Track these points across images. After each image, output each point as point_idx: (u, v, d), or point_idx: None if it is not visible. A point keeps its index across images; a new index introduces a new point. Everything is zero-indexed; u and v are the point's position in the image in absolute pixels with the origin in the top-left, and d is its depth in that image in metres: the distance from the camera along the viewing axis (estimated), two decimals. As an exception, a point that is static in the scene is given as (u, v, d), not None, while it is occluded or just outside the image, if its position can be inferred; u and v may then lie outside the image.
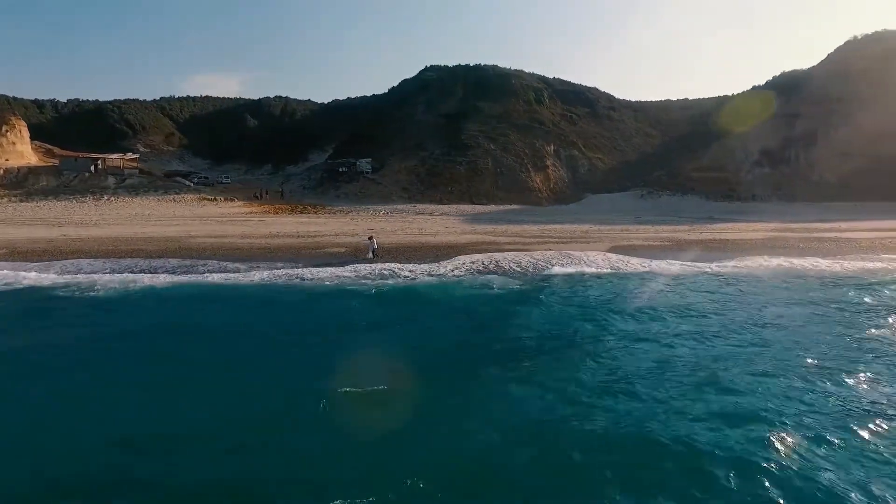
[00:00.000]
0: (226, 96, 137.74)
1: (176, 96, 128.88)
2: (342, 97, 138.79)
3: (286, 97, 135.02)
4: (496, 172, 65.92)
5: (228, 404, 10.25)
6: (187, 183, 63.48)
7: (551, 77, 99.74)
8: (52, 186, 57.54)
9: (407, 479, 7.50)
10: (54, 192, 55.58)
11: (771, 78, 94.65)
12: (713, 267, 24.81)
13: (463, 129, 70.79)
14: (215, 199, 57.43)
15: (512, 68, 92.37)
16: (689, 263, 25.49)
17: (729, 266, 25.24)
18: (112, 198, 55.50)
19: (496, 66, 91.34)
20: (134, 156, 78.76)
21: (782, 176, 60.46)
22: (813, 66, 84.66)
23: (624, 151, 79.34)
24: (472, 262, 24.98)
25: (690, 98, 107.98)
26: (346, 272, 22.64)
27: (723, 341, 13.79)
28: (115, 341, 14.17)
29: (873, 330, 14.82)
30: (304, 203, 58.28)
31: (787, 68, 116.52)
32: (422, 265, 24.37)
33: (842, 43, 79.68)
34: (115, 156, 71.80)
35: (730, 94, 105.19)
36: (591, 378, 11.33)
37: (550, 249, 30.28)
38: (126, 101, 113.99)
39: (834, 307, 17.49)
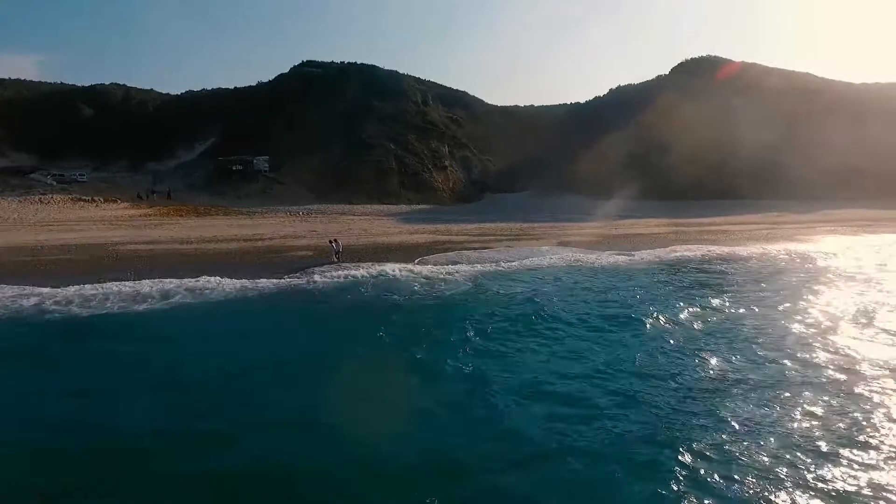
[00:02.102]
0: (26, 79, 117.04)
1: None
2: (195, 88, 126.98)
3: (125, 85, 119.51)
4: (401, 172, 66.54)
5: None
6: (49, 182, 53.65)
7: (425, 79, 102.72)
8: None
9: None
10: None
11: (608, 90, 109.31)
12: (664, 257, 29.11)
13: (362, 128, 70.04)
14: (93, 199, 49.47)
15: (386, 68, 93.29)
16: (646, 255, 29.43)
17: (673, 255, 29.74)
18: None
19: (376, 65, 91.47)
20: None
21: (647, 177, 70.25)
22: (649, 80, 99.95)
23: (507, 153, 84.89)
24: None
25: (537, 105, 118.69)
26: (391, 272, 22.67)
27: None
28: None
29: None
30: (202, 204, 52.94)
31: (623, 82, 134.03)
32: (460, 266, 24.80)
33: (676, 63, 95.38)
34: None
35: (581, 101, 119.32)
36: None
37: (511, 247, 32.47)
38: None
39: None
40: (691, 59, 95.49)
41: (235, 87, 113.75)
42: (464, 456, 8.55)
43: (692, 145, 69.34)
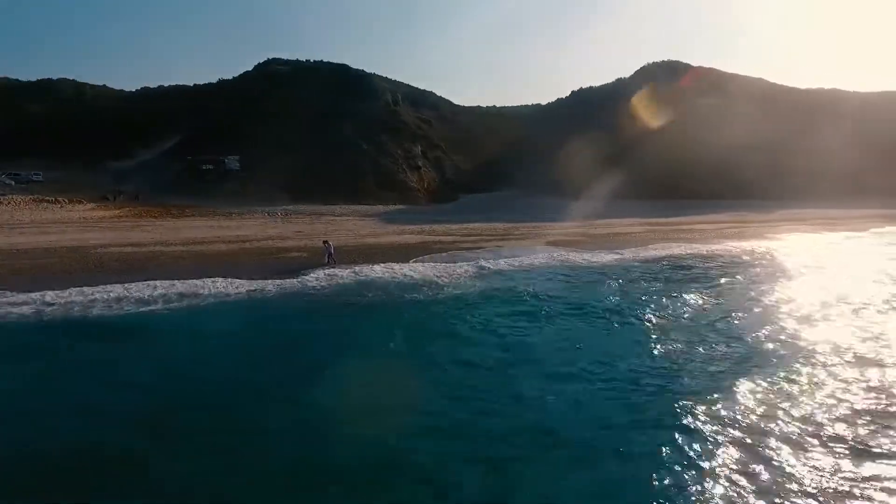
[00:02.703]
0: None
1: None
2: (151, 85, 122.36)
3: (75, 80, 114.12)
4: (375, 173, 66.20)
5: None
6: (6, 181, 50.71)
7: (392, 78, 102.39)
8: None
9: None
10: None
11: (570, 93, 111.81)
12: (652, 255, 30.17)
13: (334, 128, 69.28)
14: (56, 200, 47.06)
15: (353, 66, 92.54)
16: (635, 253, 30.49)
17: (661, 253, 30.86)
18: None
19: (347, 65, 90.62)
20: None
21: (617, 178, 72.29)
22: (609, 83, 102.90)
23: (476, 154, 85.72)
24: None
25: (499, 105, 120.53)
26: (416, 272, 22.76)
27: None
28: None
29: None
30: (173, 205, 51.24)
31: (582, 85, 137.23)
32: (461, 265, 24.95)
33: (639, 67, 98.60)
34: None
35: (542, 103, 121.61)
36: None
37: (501, 247, 32.98)
38: None
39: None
40: (654, 62, 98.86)
41: (195, 85, 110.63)
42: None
43: (658, 147, 71.95)
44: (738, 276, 23.63)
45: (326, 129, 69.11)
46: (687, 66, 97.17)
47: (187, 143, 73.17)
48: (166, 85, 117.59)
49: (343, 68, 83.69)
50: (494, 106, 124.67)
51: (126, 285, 18.75)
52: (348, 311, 17.71)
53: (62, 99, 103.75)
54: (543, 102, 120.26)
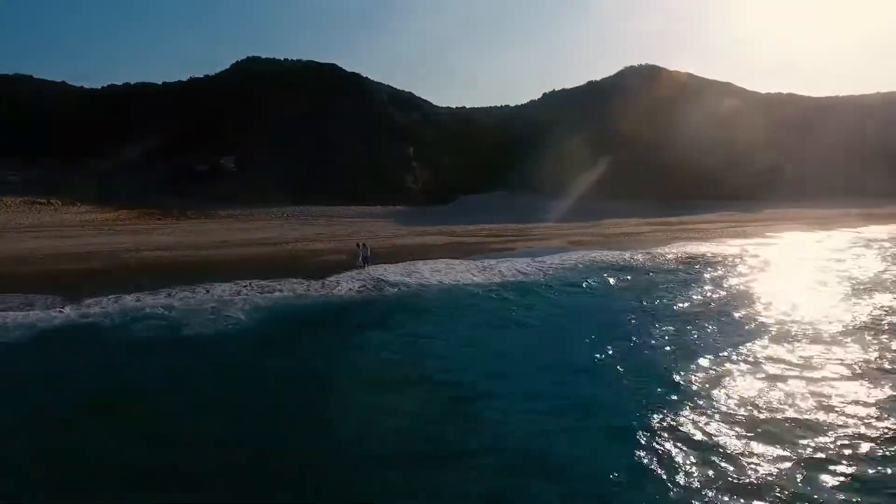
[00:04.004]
0: None
1: None
2: (117, 82, 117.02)
3: (32, 76, 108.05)
4: (372, 173, 65.70)
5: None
6: (-8, 182, 47.81)
7: (373, 79, 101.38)
8: None
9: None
10: None
11: (542, 95, 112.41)
12: (683, 254, 31.14)
13: (328, 128, 68.33)
14: (48, 202, 44.68)
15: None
16: (663, 252, 31.47)
17: (692, 252, 31.93)
18: None
19: (336, 64, 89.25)
20: None
21: (609, 179, 73.97)
22: (579, 85, 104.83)
23: (465, 154, 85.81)
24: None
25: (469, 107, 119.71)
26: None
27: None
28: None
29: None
30: (172, 206, 49.46)
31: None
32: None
33: (621, 68, 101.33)
34: None
35: (513, 104, 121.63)
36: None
37: (531, 247, 33.55)
38: None
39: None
40: (631, 66, 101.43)
41: (164, 83, 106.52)
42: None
43: (643, 148, 74.22)
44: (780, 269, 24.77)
45: (319, 130, 68.12)
46: (661, 70, 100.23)
47: (172, 142, 70.43)
48: (132, 83, 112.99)
49: (331, 67, 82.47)
50: (464, 107, 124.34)
51: (207, 286, 18.32)
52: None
53: (21, 97, 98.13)
54: (514, 104, 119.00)
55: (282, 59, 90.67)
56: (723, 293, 20.25)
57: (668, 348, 13.39)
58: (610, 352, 12.96)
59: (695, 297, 19.67)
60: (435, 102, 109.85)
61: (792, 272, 25.09)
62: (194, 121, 74.40)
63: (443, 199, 68.05)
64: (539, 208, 63.16)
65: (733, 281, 22.77)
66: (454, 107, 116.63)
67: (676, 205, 65.68)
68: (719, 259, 29.19)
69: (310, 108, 71.67)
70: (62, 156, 78.25)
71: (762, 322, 15.72)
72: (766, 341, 13.74)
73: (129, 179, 61.32)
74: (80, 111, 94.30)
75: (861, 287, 20.81)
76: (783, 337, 14.00)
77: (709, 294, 20.16)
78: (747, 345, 13.38)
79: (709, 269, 26.34)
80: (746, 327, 15.29)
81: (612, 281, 22.61)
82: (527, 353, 13.39)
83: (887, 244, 35.22)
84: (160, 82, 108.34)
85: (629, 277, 23.63)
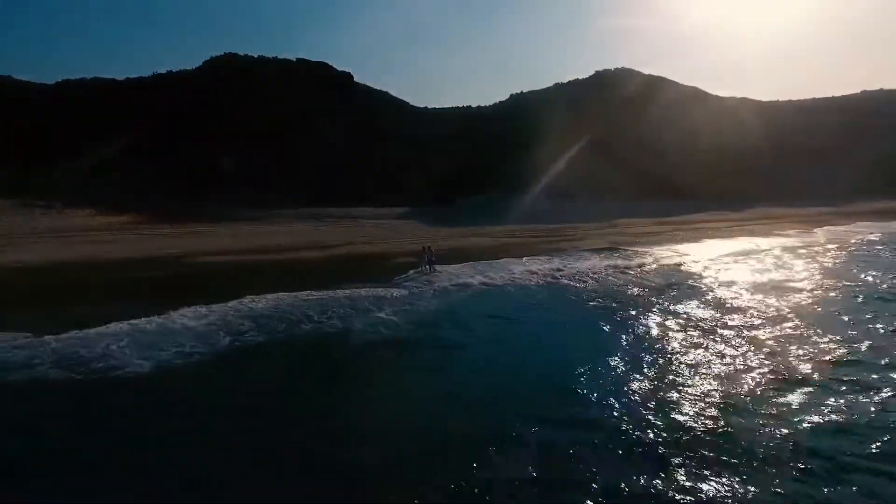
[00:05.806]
0: None
1: None
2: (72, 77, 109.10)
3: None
4: (376, 174, 64.70)
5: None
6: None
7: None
8: None
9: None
10: None
11: (509, 96, 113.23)
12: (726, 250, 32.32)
13: (325, 128, 66.78)
14: (49, 205, 41.44)
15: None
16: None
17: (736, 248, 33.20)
18: None
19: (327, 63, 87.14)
20: None
21: (595, 178, 75.69)
22: (548, 88, 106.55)
23: (454, 156, 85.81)
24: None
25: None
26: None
27: None
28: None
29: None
30: (175, 208, 46.98)
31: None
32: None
33: (593, 72, 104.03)
34: None
35: (483, 105, 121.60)
36: None
37: (578, 246, 34.06)
38: None
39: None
40: (606, 69, 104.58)
41: (128, 78, 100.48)
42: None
43: (632, 148, 76.75)
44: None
45: (314, 130, 66.40)
46: (636, 73, 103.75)
47: (150, 142, 66.61)
48: (88, 77, 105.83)
49: (322, 66, 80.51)
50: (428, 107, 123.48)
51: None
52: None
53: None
54: (484, 104, 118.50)
55: (250, 55, 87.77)
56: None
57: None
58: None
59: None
60: (414, 103, 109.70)
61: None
62: (179, 118, 70.91)
63: (447, 200, 67.58)
64: (557, 211, 63.89)
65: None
66: (446, 107, 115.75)
67: (672, 205, 68.39)
68: (759, 253, 30.59)
69: (301, 107, 69.85)
70: (27, 156, 72.46)
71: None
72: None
73: (119, 180, 57.64)
74: (38, 108, 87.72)
75: None
76: None
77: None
78: None
79: (746, 257, 27.59)
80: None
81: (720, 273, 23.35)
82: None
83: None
84: (122, 77, 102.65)
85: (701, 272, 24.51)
